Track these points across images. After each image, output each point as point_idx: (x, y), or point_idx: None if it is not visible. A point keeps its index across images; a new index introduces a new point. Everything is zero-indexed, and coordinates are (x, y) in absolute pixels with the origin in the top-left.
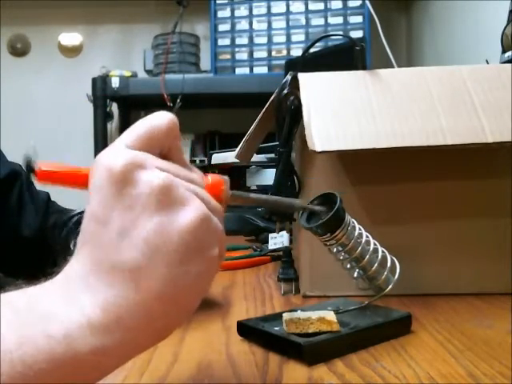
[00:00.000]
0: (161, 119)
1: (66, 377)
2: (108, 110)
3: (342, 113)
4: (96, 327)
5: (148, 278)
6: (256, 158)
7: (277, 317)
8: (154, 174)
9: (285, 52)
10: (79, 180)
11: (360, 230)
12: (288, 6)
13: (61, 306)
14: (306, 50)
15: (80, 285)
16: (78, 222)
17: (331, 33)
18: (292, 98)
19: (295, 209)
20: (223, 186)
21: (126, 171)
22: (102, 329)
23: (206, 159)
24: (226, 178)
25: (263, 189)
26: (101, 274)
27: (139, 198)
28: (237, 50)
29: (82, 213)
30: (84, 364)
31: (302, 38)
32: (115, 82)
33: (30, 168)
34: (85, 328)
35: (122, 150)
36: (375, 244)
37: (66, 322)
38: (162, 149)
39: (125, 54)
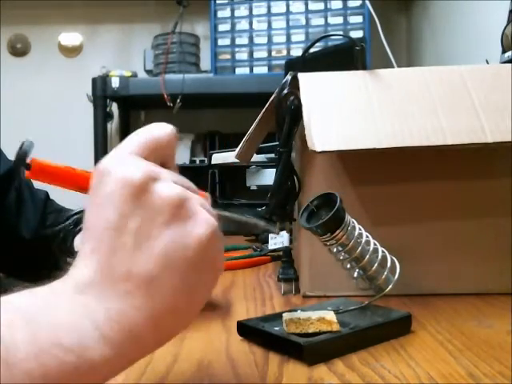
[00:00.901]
0: (162, 130)
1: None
2: (108, 110)
3: (341, 113)
4: (108, 340)
5: (162, 292)
6: (256, 157)
7: (277, 317)
8: (171, 187)
9: (285, 52)
10: (73, 180)
11: (360, 230)
12: (288, 6)
13: (74, 317)
14: (305, 50)
15: (93, 293)
16: (77, 223)
17: (331, 33)
18: (292, 98)
19: (259, 229)
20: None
21: (144, 183)
22: (114, 342)
23: (205, 159)
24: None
25: (263, 189)
26: (115, 283)
27: (157, 210)
28: (237, 49)
29: (79, 213)
30: (93, 373)
31: (302, 37)
32: (115, 82)
33: (23, 162)
34: (97, 341)
35: (137, 161)
36: (375, 244)
37: (79, 335)
38: (163, 159)
39: (125, 53)
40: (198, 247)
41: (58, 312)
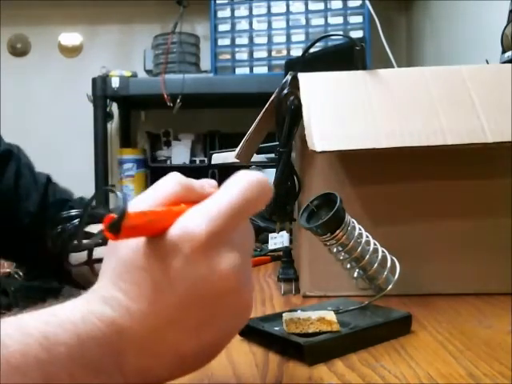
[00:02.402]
0: (265, 196)
1: None
2: (108, 110)
3: (342, 113)
4: None
5: (193, 366)
6: (256, 157)
7: (277, 317)
8: (251, 296)
9: (285, 52)
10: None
11: (360, 230)
12: (288, 6)
13: (108, 365)
14: (306, 50)
15: (133, 347)
16: (76, 227)
17: (331, 33)
18: (292, 98)
19: None
20: None
21: (236, 288)
22: None
23: (205, 159)
24: None
25: None
26: (159, 347)
27: (230, 311)
28: (237, 49)
29: (80, 216)
30: None
31: (302, 38)
32: (115, 82)
33: (116, 229)
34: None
35: (241, 261)
36: (375, 244)
37: (108, 379)
38: None
39: (125, 54)
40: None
41: (96, 358)
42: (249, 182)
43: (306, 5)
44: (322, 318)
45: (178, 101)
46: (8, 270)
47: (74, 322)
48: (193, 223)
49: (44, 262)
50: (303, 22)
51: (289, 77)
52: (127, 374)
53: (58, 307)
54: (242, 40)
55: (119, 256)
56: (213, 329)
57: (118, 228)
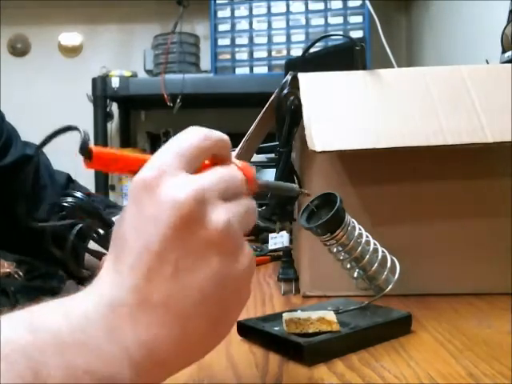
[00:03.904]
0: (208, 136)
1: None
2: (108, 110)
3: (342, 113)
4: (136, 367)
5: (195, 325)
6: (256, 157)
7: (277, 317)
8: (220, 216)
9: (285, 52)
10: (131, 166)
11: (360, 230)
12: (288, 6)
13: (105, 342)
14: (306, 50)
15: (125, 315)
16: (81, 234)
17: (331, 33)
18: (292, 98)
19: (295, 192)
20: (253, 174)
21: (193, 210)
22: (141, 368)
23: None
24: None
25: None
26: (150, 310)
27: (202, 243)
28: (237, 49)
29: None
30: None
31: (302, 38)
32: (115, 82)
33: (86, 153)
34: (126, 368)
35: (186, 182)
36: (375, 244)
37: (110, 362)
38: (216, 158)
39: (125, 54)
40: (235, 288)
41: (89, 337)
42: (189, 129)
43: (306, 5)
44: (321, 318)
45: (178, 101)
46: (8, 270)
47: (61, 301)
48: (147, 172)
49: (63, 264)
50: (303, 21)
51: (289, 77)
52: (131, 353)
53: None
54: (242, 40)
55: None
56: (195, 273)
57: (88, 151)
